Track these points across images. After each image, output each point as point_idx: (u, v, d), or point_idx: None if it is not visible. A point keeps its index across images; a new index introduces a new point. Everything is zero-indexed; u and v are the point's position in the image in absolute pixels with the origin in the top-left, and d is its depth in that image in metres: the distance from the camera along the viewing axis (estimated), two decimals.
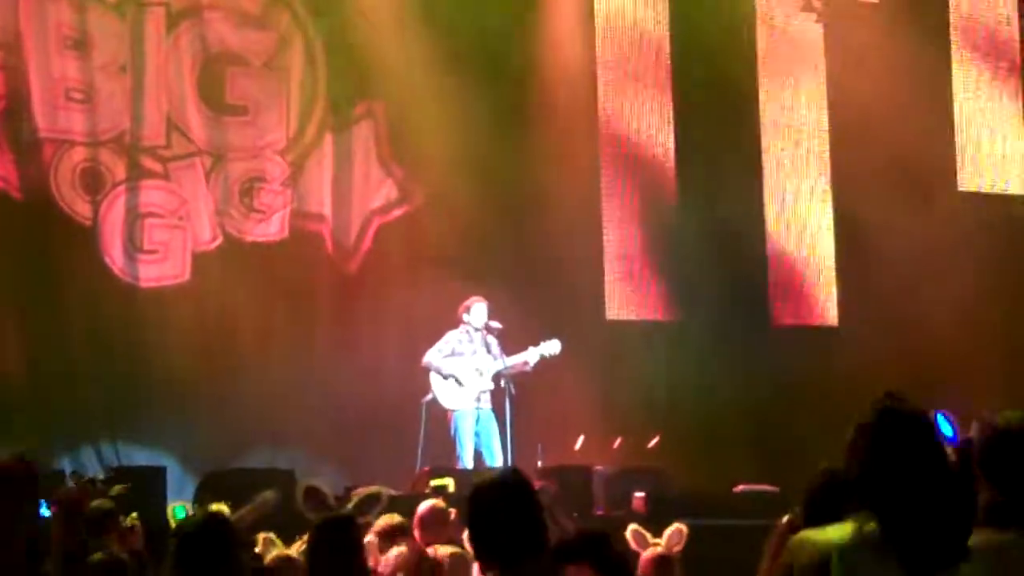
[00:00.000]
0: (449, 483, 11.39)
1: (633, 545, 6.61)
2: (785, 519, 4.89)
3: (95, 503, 8.64)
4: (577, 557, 4.34)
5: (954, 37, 17.02)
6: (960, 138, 17.01)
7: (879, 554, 3.23)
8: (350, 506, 5.08)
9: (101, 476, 10.78)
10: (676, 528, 6.61)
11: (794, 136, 16.64)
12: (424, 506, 8.15)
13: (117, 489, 9.63)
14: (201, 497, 11.20)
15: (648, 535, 6.73)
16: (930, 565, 3.23)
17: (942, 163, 16.70)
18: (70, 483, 10.63)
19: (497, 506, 3.86)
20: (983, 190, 17.02)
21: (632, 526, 6.82)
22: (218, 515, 4.71)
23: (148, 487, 10.62)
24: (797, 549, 3.32)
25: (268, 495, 5.71)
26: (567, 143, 15.32)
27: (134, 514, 8.24)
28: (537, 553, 3.87)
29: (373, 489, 5.47)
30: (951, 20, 17.02)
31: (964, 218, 16.31)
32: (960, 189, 16.92)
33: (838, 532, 3.29)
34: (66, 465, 12.60)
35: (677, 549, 6.56)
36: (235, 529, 4.64)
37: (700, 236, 15.71)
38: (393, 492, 12.01)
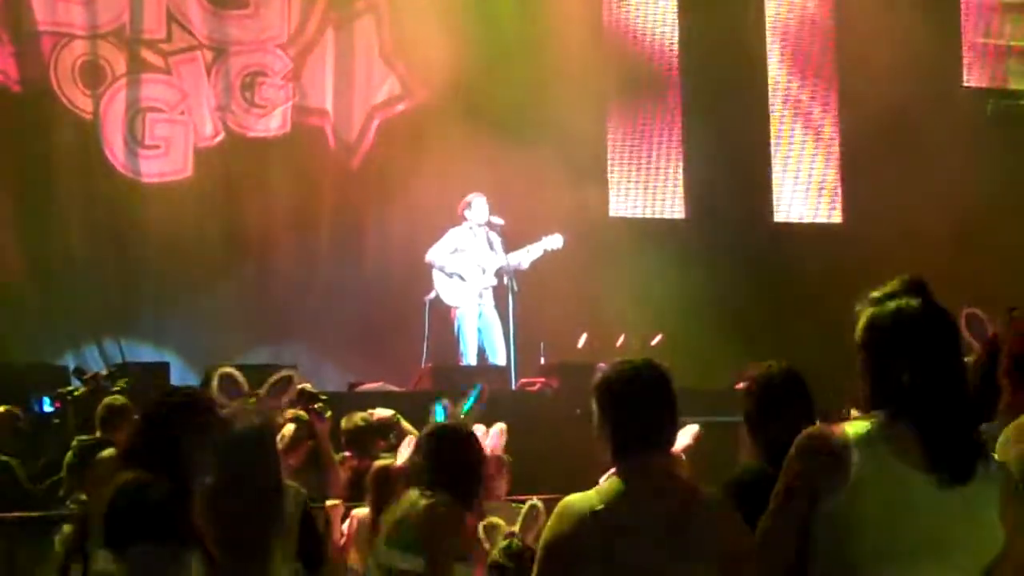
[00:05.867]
0: None
1: None
2: None
3: (109, 399, 8.65)
4: None
5: None
6: (967, 34, 16.90)
7: (899, 451, 3.19)
8: (262, 390, 5.07)
9: (104, 372, 10.77)
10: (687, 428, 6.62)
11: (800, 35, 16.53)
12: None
13: (120, 384, 9.66)
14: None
15: None
16: (956, 473, 3.19)
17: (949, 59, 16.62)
18: (74, 380, 10.65)
19: (633, 396, 3.81)
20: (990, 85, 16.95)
21: None
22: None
23: (151, 383, 10.62)
24: (809, 443, 3.28)
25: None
26: (571, 37, 15.15)
27: None
28: (666, 445, 3.84)
29: (285, 372, 5.49)
30: None
31: (971, 114, 16.23)
32: (966, 85, 16.85)
33: (854, 427, 3.25)
34: (70, 362, 12.62)
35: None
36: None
37: (704, 134, 15.66)
38: (395, 388, 12.12)
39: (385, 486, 7.35)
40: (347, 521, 7.44)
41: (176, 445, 4.45)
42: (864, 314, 3.36)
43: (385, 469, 7.30)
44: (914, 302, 3.31)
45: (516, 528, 6.35)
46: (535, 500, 6.42)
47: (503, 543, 6.35)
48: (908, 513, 3.18)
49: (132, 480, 4.36)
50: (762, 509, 3.49)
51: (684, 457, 6.53)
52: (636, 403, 3.80)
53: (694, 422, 6.82)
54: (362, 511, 7.39)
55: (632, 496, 3.71)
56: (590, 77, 15.50)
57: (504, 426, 7.32)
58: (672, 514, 3.69)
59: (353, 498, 7.55)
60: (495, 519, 6.71)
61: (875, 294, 3.37)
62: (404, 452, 7.37)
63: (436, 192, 14.06)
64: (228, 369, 4.93)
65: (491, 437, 7.30)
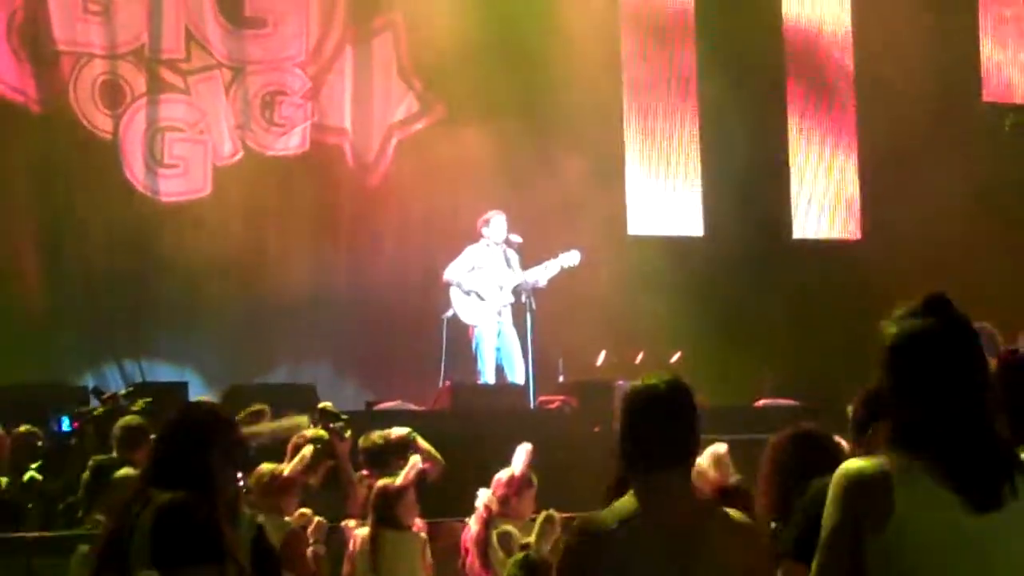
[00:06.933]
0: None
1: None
2: (788, 431, 4.85)
3: (126, 419, 8.66)
4: None
5: None
6: (985, 49, 16.89)
7: (939, 480, 3.13)
8: (237, 418, 5.04)
9: (123, 392, 10.78)
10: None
11: (818, 50, 16.53)
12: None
13: (139, 404, 9.66)
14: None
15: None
16: (988, 497, 3.13)
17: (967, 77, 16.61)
18: (93, 399, 10.66)
19: (652, 412, 3.75)
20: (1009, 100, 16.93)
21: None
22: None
23: (170, 402, 10.62)
24: (848, 483, 3.19)
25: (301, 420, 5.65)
26: (590, 57, 15.14)
27: None
28: (685, 462, 3.77)
29: (258, 406, 5.51)
30: None
31: (990, 129, 16.21)
32: (984, 100, 16.83)
33: (893, 460, 3.16)
34: (89, 381, 12.63)
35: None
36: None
37: (722, 152, 15.64)
38: (414, 407, 12.11)
39: (384, 505, 7.36)
40: (350, 541, 7.45)
41: (205, 462, 4.40)
42: (880, 341, 3.28)
43: (384, 488, 7.32)
44: (920, 322, 3.22)
45: (532, 539, 6.30)
46: (551, 511, 6.37)
47: (519, 555, 6.31)
48: (956, 544, 3.10)
49: (175, 499, 4.30)
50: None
51: (713, 472, 6.46)
52: (654, 420, 3.76)
53: (712, 440, 6.80)
54: (363, 530, 7.39)
55: (648, 514, 3.67)
56: (609, 96, 15.51)
57: (530, 446, 7.31)
58: (688, 532, 3.65)
59: None
60: (508, 527, 6.67)
61: (890, 318, 3.28)
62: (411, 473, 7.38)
63: (454, 210, 14.08)
64: (205, 398, 4.93)
65: (517, 457, 7.30)
